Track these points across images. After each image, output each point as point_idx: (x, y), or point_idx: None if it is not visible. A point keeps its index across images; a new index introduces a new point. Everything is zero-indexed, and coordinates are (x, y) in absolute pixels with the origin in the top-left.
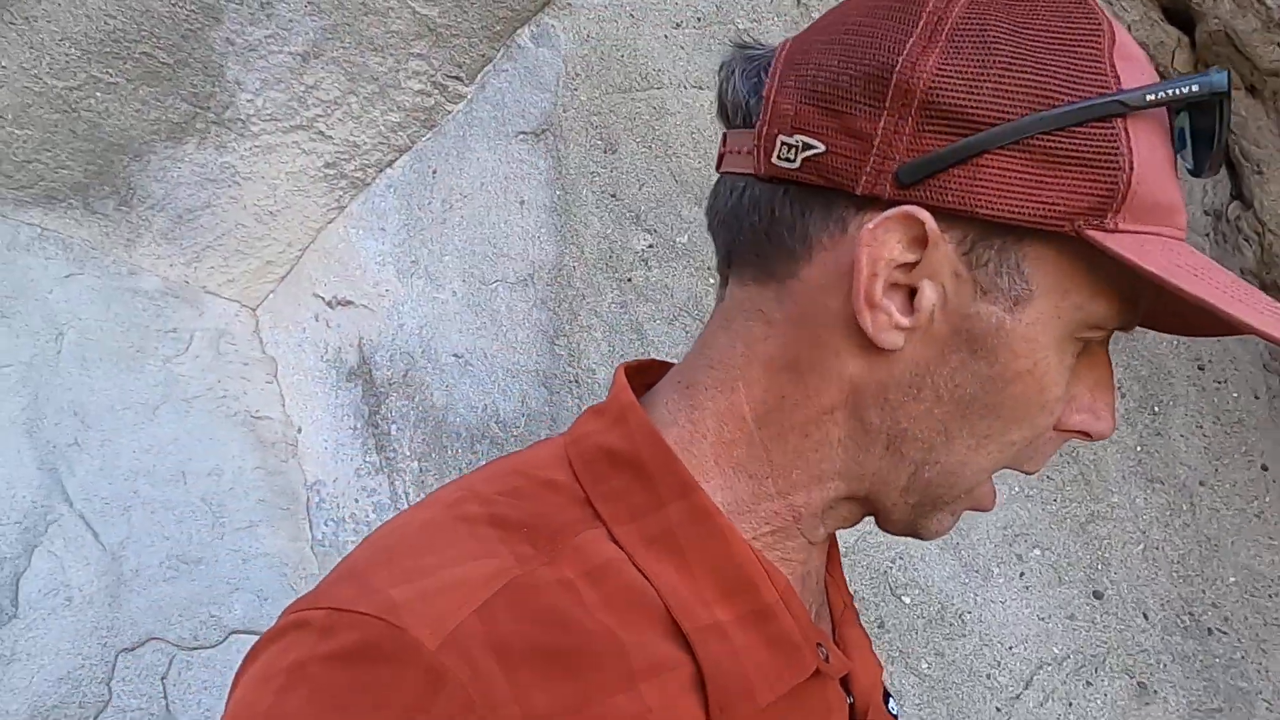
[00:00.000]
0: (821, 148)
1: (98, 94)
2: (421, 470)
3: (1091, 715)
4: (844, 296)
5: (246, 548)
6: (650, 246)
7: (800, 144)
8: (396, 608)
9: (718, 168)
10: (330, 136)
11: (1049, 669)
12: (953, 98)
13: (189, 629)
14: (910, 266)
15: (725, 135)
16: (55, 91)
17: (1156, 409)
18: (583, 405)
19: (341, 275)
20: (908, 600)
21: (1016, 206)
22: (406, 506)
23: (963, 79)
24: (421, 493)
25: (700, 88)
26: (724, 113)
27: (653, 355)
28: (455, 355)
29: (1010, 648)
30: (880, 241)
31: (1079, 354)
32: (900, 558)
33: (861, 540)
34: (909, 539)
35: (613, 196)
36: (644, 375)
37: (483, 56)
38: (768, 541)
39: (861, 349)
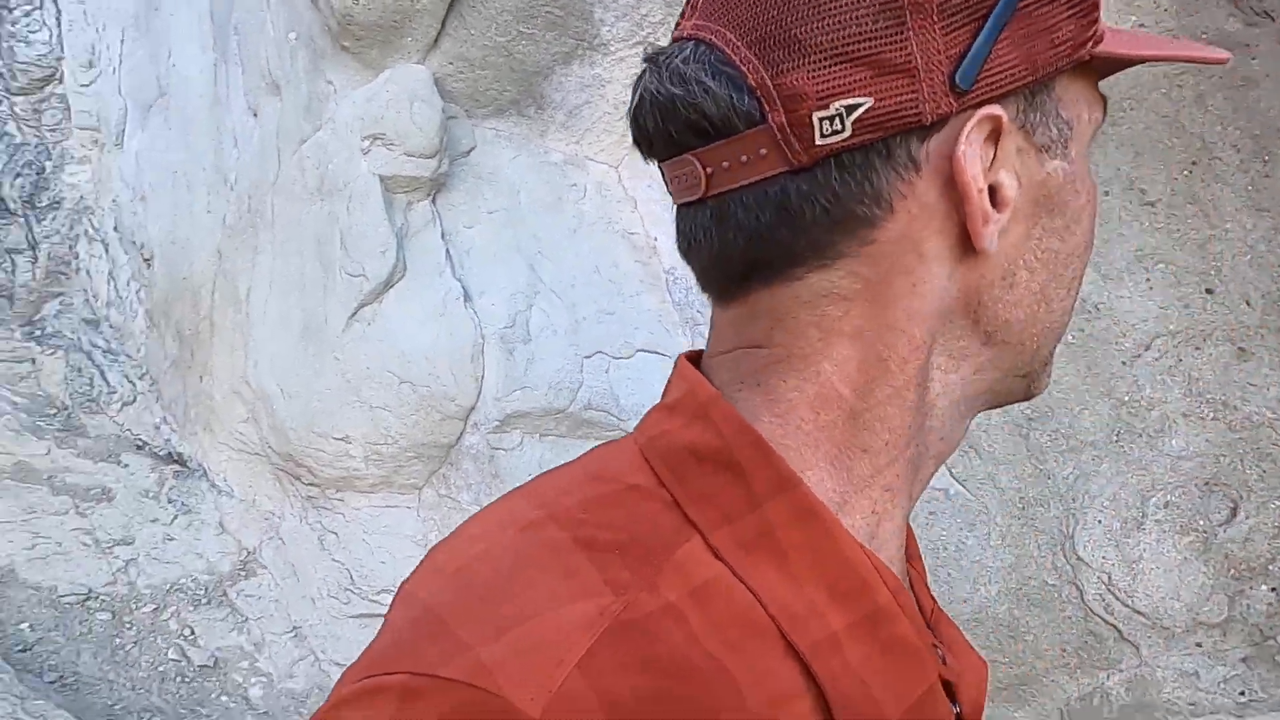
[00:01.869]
0: (869, 101)
1: (522, 41)
2: None
3: (1198, 369)
4: (939, 231)
5: (637, 304)
6: None
7: (842, 110)
8: (489, 671)
9: (705, 191)
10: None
11: (1165, 338)
12: None
13: (615, 347)
14: (990, 165)
15: (698, 156)
16: (499, 44)
17: (1266, 158)
18: None
19: None
20: None
21: (1049, 59)
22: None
23: None
24: None
25: None
26: (698, 130)
27: None
28: None
29: (1133, 325)
30: (970, 156)
31: None
32: None
33: None
34: None
35: None
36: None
37: None
38: (870, 532)
39: (952, 270)
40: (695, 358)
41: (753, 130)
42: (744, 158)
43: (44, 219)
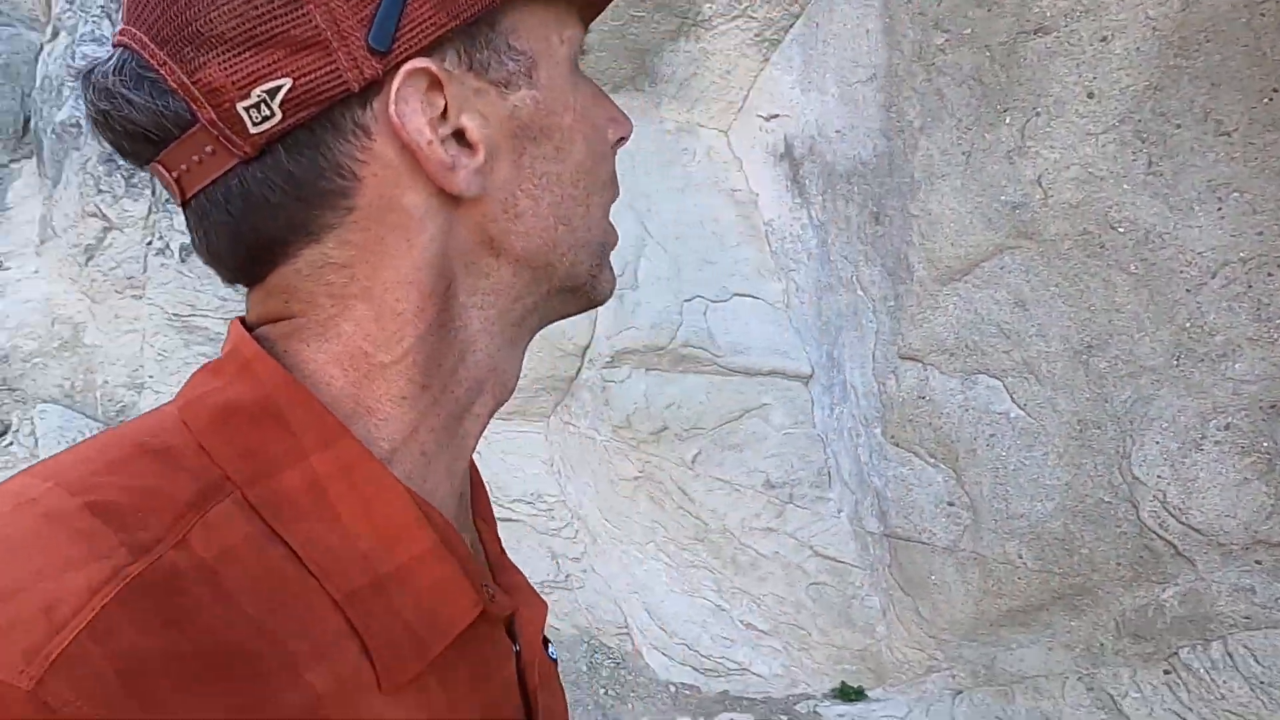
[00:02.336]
0: (288, 81)
1: (634, 24)
2: (824, 201)
3: (1269, 294)
4: (411, 187)
5: (736, 254)
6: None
7: (265, 96)
8: None
9: (184, 201)
10: (755, 18)
11: (1234, 265)
12: None
13: (712, 292)
14: (443, 116)
15: (163, 163)
16: (614, 28)
17: None
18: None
19: (771, 100)
20: (1121, 230)
21: (469, 2)
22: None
23: None
24: (818, 217)
25: None
26: (145, 139)
27: None
28: (837, 131)
29: (1200, 253)
30: (408, 112)
31: None
32: (1116, 201)
33: (1070, 183)
34: None
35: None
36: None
37: None
38: (421, 476)
39: (449, 217)
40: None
41: (191, 131)
42: (196, 158)
43: None
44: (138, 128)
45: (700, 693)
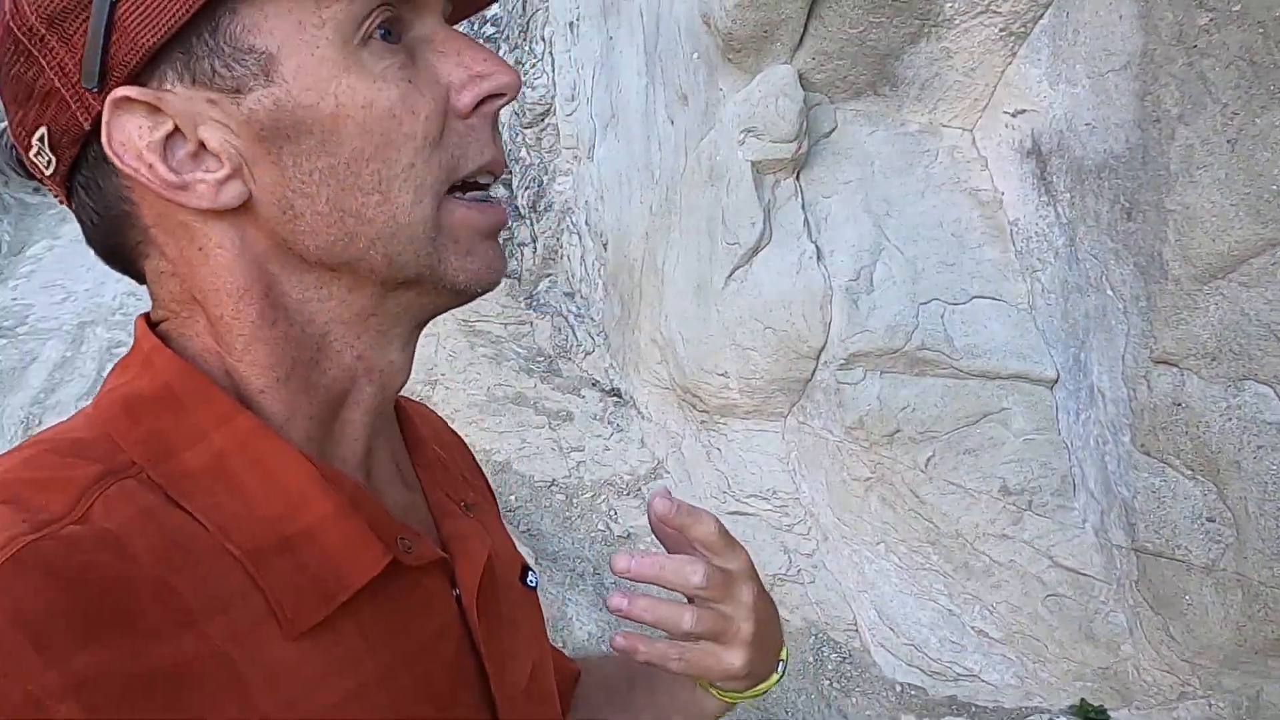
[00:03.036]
0: (44, 128)
1: (873, 30)
2: (1072, 198)
3: None
4: (169, 204)
5: (978, 255)
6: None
7: (38, 143)
8: None
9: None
10: (1000, 12)
11: None
12: (39, 8)
13: (951, 294)
14: (179, 134)
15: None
16: (852, 35)
17: None
18: None
19: (1017, 96)
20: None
21: (169, 11)
22: (1056, 213)
23: None
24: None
25: None
26: (29, 176)
27: None
28: (1087, 124)
29: None
30: (125, 142)
31: (410, 52)
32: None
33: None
34: None
35: None
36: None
37: None
38: (322, 446)
39: (238, 223)
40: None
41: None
42: (56, 197)
43: (541, 219)
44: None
45: (927, 694)
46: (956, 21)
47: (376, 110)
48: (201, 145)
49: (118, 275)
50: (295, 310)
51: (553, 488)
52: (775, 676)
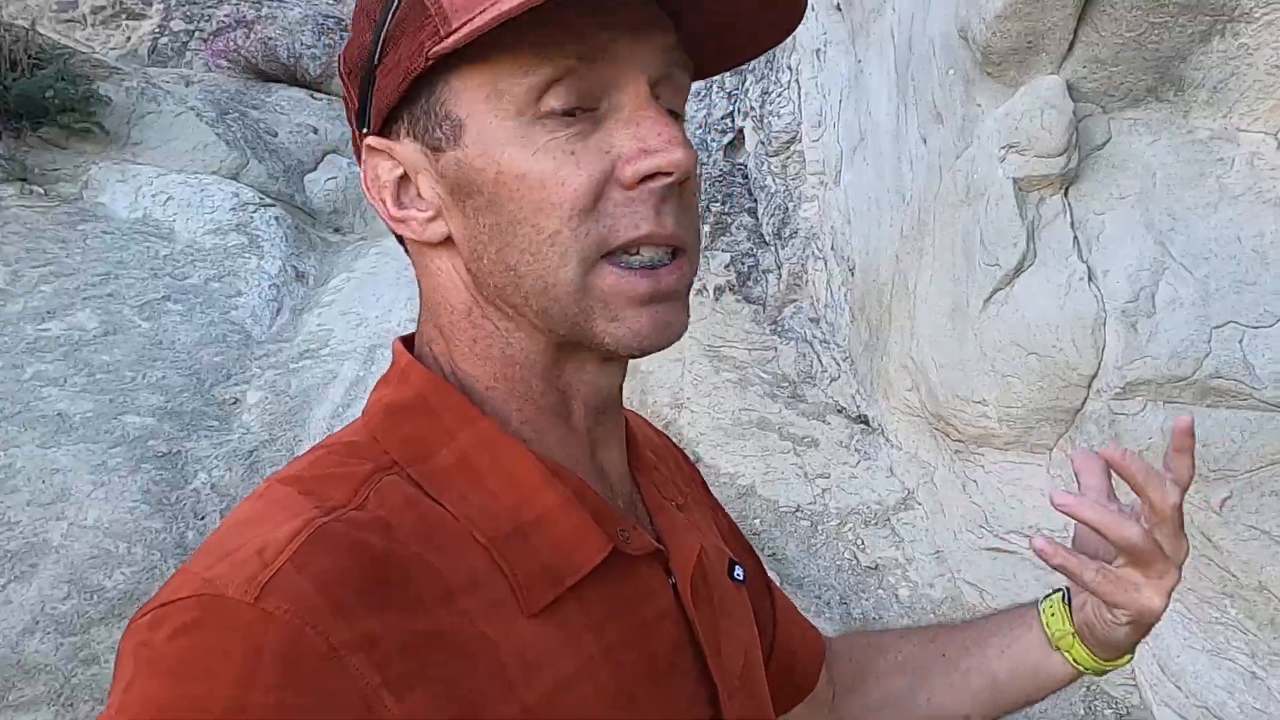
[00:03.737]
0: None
1: (1153, 32)
2: None
3: None
4: None
5: None
6: None
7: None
8: (210, 581)
9: None
10: None
11: None
12: (347, 61)
13: (1252, 317)
14: (407, 180)
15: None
16: (1128, 39)
17: None
18: None
19: None
20: None
21: (397, 81)
22: None
23: (351, 46)
24: None
25: None
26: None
27: None
28: None
29: None
30: (374, 178)
31: (595, 120)
32: None
33: None
34: None
35: None
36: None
37: None
38: (549, 447)
39: (445, 255)
40: (409, 338)
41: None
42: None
43: (785, 246)
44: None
45: None
46: (1257, 15)
47: (529, 180)
48: (419, 189)
49: (403, 303)
50: (496, 336)
51: (797, 514)
52: (1129, 657)
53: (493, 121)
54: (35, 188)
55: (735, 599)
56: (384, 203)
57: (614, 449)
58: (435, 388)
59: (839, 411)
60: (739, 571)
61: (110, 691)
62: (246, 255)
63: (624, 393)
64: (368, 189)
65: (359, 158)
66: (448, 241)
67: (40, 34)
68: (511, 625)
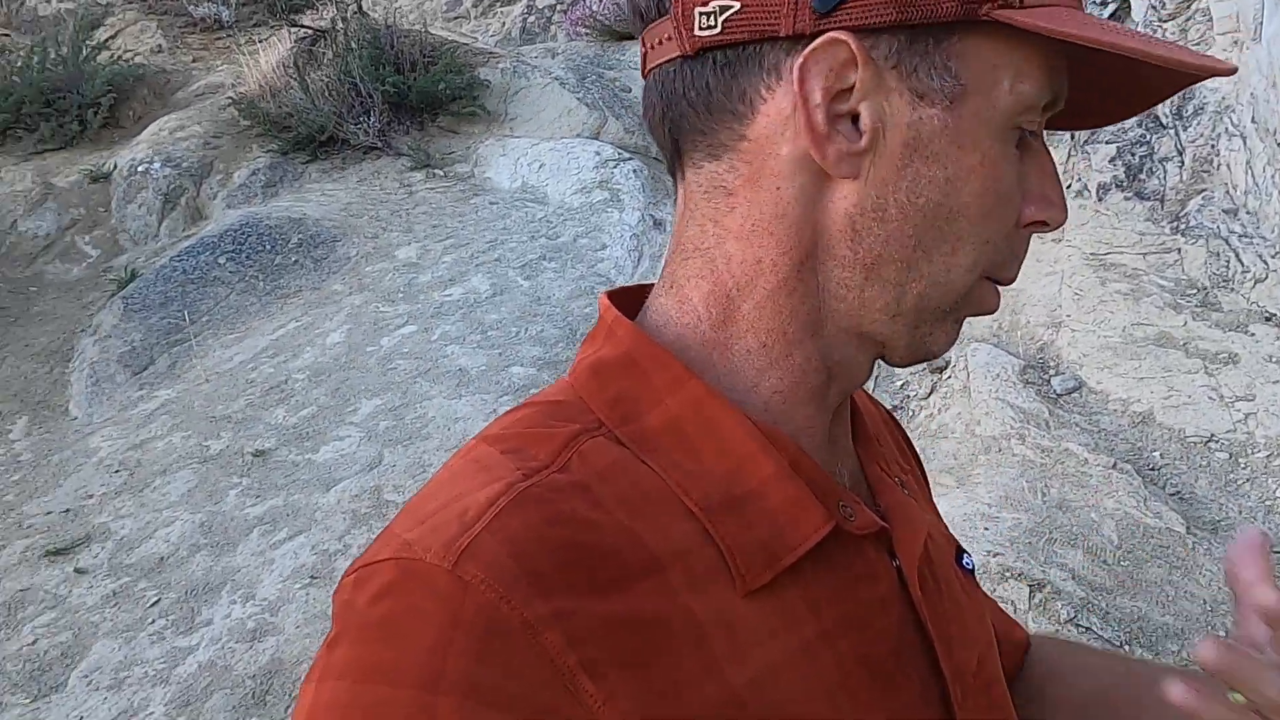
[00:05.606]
0: (737, 5)
1: None
2: None
3: None
4: (792, 141)
5: None
6: None
7: (717, 8)
8: (410, 544)
9: (644, 72)
10: None
11: None
12: None
13: None
14: (848, 92)
15: (643, 36)
16: None
17: None
18: None
19: None
20: None
21: (926, 7)
22: None
23: None
24: None
25: None
26: (637, 13)
27: None
28: None
29: None
30: (813, 73)
31: (1020, 146)
32: None
33: None
34: None
35: None
36: (632, 297)
37: None
38: (780, 413)
39: (824, 188)
40: (617, 293)
41: (663, 18)
42: (658, 41)
43: (1189, 126)
44: (638, 6)
45: None
46: None
47: (1000, 186)
48: (856, 117)
49: None
50: (813, 290)
51: (1211, 444)
52: None
53: (989, 109)
54: (437, 171)
55: (967, 589)
56: (811, 105)
57: (842, 420)
58: (644, 345)
59: (1268, 319)
60: (968, 560)
61: (322, 644)
62: (609, 210)
63: (991, 316)
64: (797, 77)
65: (735, 26)
66: (840, 180)
67: (431, 34)
68: (721, 601)
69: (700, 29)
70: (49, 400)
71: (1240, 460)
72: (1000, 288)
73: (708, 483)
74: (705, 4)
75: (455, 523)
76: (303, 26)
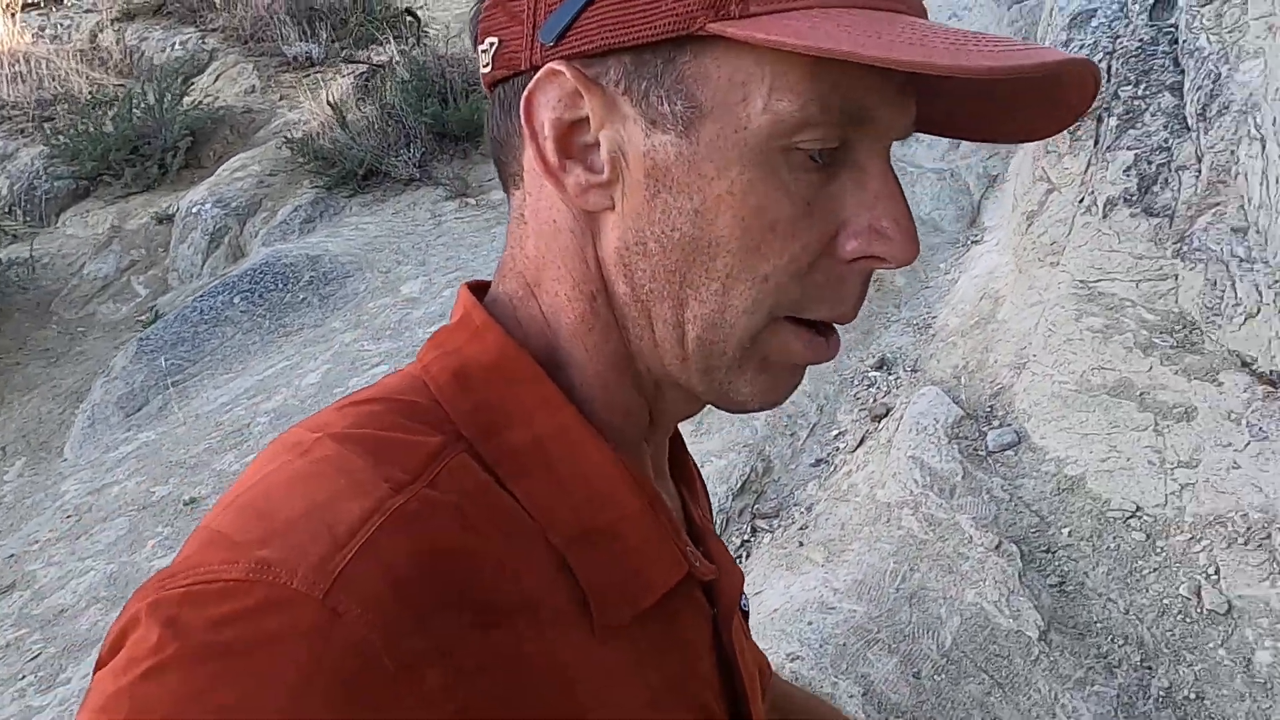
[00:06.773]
0: (498, 41)
1: None
2: None
3: None
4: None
5: None
6: None
7: (490, 45)
8: (269, 566)
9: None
10: None
11: None
12: None
13: None
14: (586, 123)
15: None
16: None
17: None
18: None
19: None
20: None
21: (642, 25)
22: None
23: None
24: None
25: None
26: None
27: None
28: None
29: None
30: (539, 105)
31: (836, 167)
32: None
33: None
34: None
35: None
36: (479, 294)
37: None
38: (619, 447)
39: (592, 221)
40: (478, 286)
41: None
42: (483, 72)
43: (1211, 128)
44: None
45: None
46: None
47: (763, 217)
48: (597, 145)
49: None
50: (613, 332)
51: (1132, 520)
52: None
53: (739, 132)
54: (470, 200)
55: (744, 632)
56: (543, 138)
57: (664, 455)
58: (515, 357)
59: (1243, 366)
60: (745, 603)
61: (110, 649)
62: None
63: (965, 348)
64: (525, 111)
65: (499, 62)
66: (602, 212)
67: (470, 61)
68: (581, 642)
69: (484, 67)
70: (50, 442)
71: (1157, 543)
72: (967, 320)
73: (566, 514)
74: (482, 42)
75: (324, 542)
76: (358, 62)
